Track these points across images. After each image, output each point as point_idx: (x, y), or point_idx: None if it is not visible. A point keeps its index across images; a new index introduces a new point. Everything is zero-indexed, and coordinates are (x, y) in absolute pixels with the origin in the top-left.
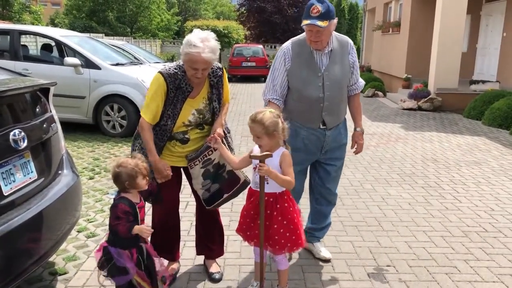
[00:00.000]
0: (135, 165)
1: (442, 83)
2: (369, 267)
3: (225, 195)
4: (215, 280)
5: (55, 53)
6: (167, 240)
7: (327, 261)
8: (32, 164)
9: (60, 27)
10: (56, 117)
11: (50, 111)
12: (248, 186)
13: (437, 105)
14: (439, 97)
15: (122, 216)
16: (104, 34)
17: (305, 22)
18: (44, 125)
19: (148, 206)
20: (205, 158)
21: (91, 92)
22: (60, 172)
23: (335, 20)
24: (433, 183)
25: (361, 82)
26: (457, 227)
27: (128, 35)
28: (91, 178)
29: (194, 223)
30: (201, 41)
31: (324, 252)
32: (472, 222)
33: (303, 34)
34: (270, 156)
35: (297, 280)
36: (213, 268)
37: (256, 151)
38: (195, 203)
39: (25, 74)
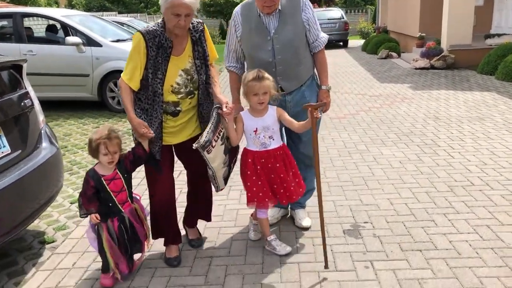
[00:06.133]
0: (93, 139)
1: (455, 40)
2: (346, 224)
3: (232, 165)
4: (194, 247)
5: (61, 33)
6: (164, 222)
7: (305, 229)
8: (4, 138)
9: (77, 8)
10: (32, 94)
11: (25, 88)
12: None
13: (450, 63)
14: (452, 54)
15: (84, 185)
16: (117, 12)
17: None
18: (17, 101)
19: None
20: (222, 133)
21: (94, 69)
22: (38, 146)
23: None
24: (429, 141)
25: (323, 37)
26: (444, 182)
27: (143, 11)
28: None
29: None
30: None
31: (304, 221)
32: (461, 177)
33: None
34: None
35: None
36: (193, 235)
37: (245, 113)
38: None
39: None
